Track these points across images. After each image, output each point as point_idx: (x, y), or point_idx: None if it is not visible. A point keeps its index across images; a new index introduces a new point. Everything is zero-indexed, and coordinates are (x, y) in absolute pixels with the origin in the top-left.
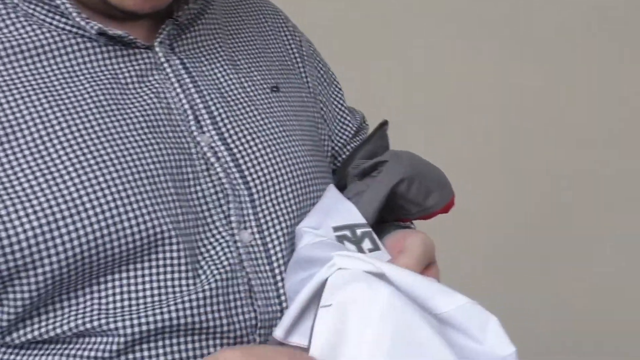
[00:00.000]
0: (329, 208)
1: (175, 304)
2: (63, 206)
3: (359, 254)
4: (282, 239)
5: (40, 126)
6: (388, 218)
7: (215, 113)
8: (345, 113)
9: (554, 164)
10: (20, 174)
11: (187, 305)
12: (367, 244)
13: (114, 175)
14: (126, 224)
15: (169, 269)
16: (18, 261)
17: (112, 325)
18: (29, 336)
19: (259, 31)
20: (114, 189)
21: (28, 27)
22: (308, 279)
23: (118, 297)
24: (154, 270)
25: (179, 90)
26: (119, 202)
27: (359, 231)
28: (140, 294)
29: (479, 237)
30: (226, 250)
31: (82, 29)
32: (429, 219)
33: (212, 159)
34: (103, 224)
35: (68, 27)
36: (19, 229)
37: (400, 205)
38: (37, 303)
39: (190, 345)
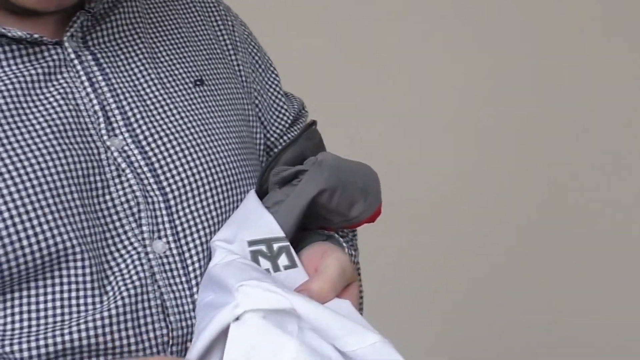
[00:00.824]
0: (246, 218)
1: (78, 324)
2: None
3: (267, 285)
4: (199, 248)
5: None
6: (310, 226)
7: (130, 114)
8: (281, 100)
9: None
10: None
11: (91, 325)
12: (283, 260)
13: (12, 188)
14: (25, 242)
15: (73, 286)
16: None
17: (9, 348)
18: None
19: (185, 19)
20: (11, 204)
21: None
22: (215, 305)
23: (17, 318)
24: (57, 289)
25: (89, 89)
26: (16, 219)
27: (275, 246)
28: (42, 314)
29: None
30: (137, 263)
31: None
32: (354, 228)
33: (123, 165)
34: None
35: None
36: None
37: (322, 215)
38: None
39: None
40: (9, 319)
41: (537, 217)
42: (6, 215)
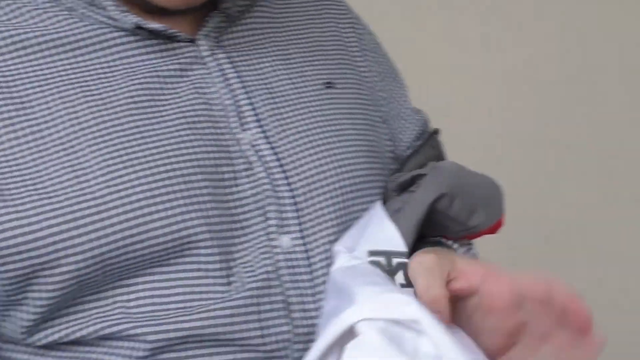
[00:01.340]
0: (369, 228)
1: (202, 312)
2: (84, 205)
3: (389, 291)
4: (324, 247)
5: (72, 122)
6: (429, 235)
7: (262, 110)
8: (408, 110)
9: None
10: (45, 171)
11: (215, 314)
12: (399, 277)
13: (143, 173)
14: (152, 225)
15: (201, 273)
16: (39, 258)
17: (137, 331)
18: (53, 337)
19: (315, 25)
20: (141, 188)
21: (70, 20)
22: (334, 312)
23: (142, 302)
24: (182, 275)
25: (221, 85)
26: (145, 202)
27: (395, 261)
28: (167, 300)
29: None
30: (263, 256)
31: (118, 22)
32: (473, 239)
33: (253, 158)
34: (126, 224)
35: (106, 21)
36: (38, 226)
37: (440, 223)
38: (60, 304)
39: (216, 358)
40: (134, 303)
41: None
42: (136, 198)
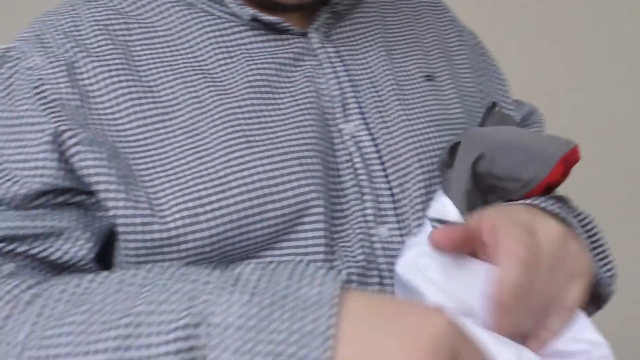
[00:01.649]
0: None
1: None
2: (208, 184)
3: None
4: None
5: (196, 105)
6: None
7: (365, 102)
8: (508, 104)
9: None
10: (171, 152)
11: None
12: None
13: (261, 155)
14: (270, 205)
15: (307, 249)
16: (164, 233)
17: None
18: None
19: (416, 21)
20: (260, 169)
21: (192, 14)
22: None
23: None
24: (294, 250)
25: (330, 76)
26: (264, 183)
27: None
28: None
29: None
30: (362, 244)
31: (236, 15)
32: (547, 193)
33: (353, 149)
34: (247, 204)
35: (224, 15)
36: (167, 205)
37: (495, 186)
38: None
39: None
40: None
41: None
42: (256, 178)
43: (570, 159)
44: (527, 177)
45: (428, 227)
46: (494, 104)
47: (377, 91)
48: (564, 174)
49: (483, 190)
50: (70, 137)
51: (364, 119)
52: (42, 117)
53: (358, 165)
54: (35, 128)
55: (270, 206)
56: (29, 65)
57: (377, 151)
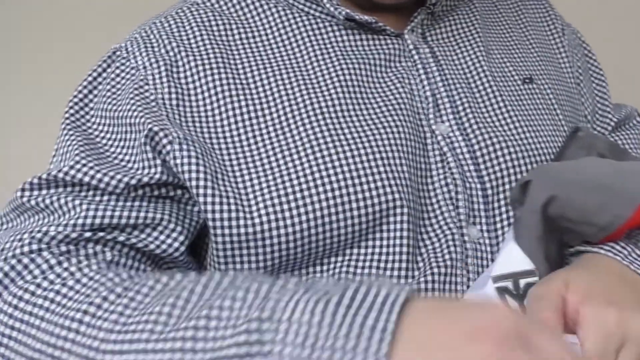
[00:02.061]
0: (499, 251)
1: None
2: (295, 181)
3: None
4: None
5: (286, 103)
6: (573, 244)
7: (458, 102)
8: (606, 106)
9: None
10: (262, 149)
11: None
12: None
13: (348, 154)
14: (353, 203)
15: (391, 249)
16: (250, 228)
17: None
18: None
19: (517, 21)
20: (345, 168)
21: (289, 14)
22: None
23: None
24: (376, 251)
25: (423, 77)
26: (349, 182)
27: (522, 282)
28: (357, 278)
29: None
30: (450, 244)
31: (331, 14)
32: (619, 237)
33: (445, 149)
34: (332, 202)
35: (319, 14)
36: (254, 201)
37: (570, 229)
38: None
39: None
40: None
41: None
42: (340, 177)
43: None
44: (605, 222)
45: (490, 287)
46: (577, 129)
47: (472, 93)
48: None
49: (557, 230)
50: (164, 137)
51: (457, 119)
52: (141, 117)
53: (452, 165)
54: (135, 128)
55: (354, 204)
56: (134, 65)
57: (470, 152)
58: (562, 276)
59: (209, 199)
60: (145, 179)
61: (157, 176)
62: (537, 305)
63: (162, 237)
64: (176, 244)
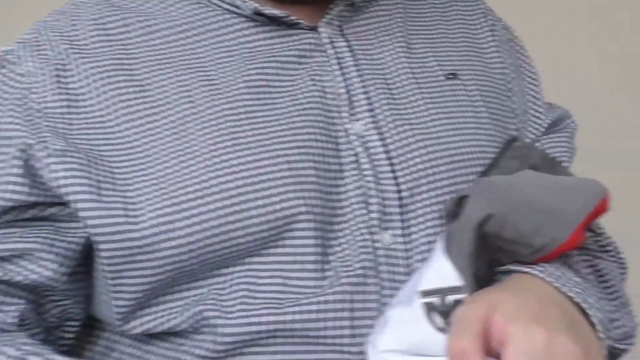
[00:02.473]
0: (425, 266)
1: (295, 305)
2: (190, 189)
3: None
4: (425, 247)
5: (186, 106)
6: (505, 261)
7: (375, 99)
8: (539, 106)
9: None
10: (154, 156)
11: (307, 308)
12: None
13: (249, 159)
14: (253, 211)
15: (294, 266)
16: (139, 241)
17: (226, 322)
18: (148, 325)
19: (444, 16)
20: (245, 174)
21: (194, 7)
22: None
23: (235, 295)
24: (277, 266)
25: (337, 72)
26: (248, 188)
27: (450, 298)
28: (260, 290)
29: None
30: (362, 251)
31: (239, 8)
32: (553, 259)
33: (360, 149)
34: (229, 210)
35: (229, 8)
36: (142, 211)
37: (504, 248)
38: (156, 291)
39: (303, 356)
40: (227, 291)
41: None
42: (240, 183)
43: (596, 214)
44: (540, 244)
45: (416, 303)
46: (514, 139)
47: (390, 89)
48: (573, 244)
49: (490, 248)
50: (39, 150)
51: (373, 117)
52: (16, 130)
53: (366, 167)
54: (7, 142)
55: (254, 212)
56: (22, 71)
57: (386, 152)
58: (489, 297)
59: (91, 213)
60: (10, 204)
61: (23, 197)
62: (456, 329)
63: (32, 267)
64: (47, 273)
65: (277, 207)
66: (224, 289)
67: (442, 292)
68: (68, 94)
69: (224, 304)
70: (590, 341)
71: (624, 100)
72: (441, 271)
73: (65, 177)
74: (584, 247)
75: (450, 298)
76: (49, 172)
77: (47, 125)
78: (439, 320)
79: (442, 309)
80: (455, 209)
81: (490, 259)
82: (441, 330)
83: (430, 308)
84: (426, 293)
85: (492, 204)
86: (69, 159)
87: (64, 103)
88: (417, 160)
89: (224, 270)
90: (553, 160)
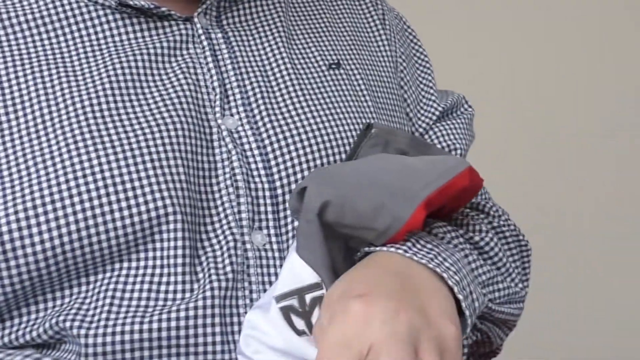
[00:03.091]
0: (281, 270)
1: (162, 313)
2: (46, 191)
3: None
4: None
5: (44, 104)
6: (359, 248)
7: (250, 93)
8: (431, 94)
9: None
10: (11, 157)
11: (175, 315)
12: (317, 314)
13: (111, 157)
14: (115, 213)
15: (165, 270)
16: None
17: (90, 332)
18: (9, 337)
19: (329, 6)
20: (107, 174)
21: (56, 2)
22: None
23: (101, 302)
24: (147, 271)
25: (211, 65)
26: (110, 189)
27: (308, 297)
28: (127, 297)
29: None
30: (232, 252)
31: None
32: (400, 238)
33: (231, 145)
34: (89, 213)
35: (91, 1)
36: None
37: (350, 235)
38: (14, 301)
39: None
40: (91, 299)
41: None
42: (101, 184)
43: (448, 189)
44: (383, 226)
45: (274, 308)
46: (369, 126)
47: (269, 81)
48: (460, 202)
49: (339, 238)
50: None
51: (247, 112)
52: None
53: (235, 165)
54: None
55: (117, 214)
56: None
57: (260, 147)
58: (338, 282)
59: None
60: None
61: None
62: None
63: None
64: None
65: (143, 208)
66: (87, 297)
67: (299, 292)
68: None
69: (88, 312)
70: (428, 299)
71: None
72: (295, 270)
73: None
74: (464, 224)
75: (308, 297)
76: None
77: None
78: (299, 322)
79: (300, 310)
80: (297, 204)
81: (345, 249)
82: (302, 333)
83: (288, 311)
84: (282, 297)
85: (327, 191)
86: None
87: None
88: (294, 154)
89: (90, 278)
90: (423, 142)
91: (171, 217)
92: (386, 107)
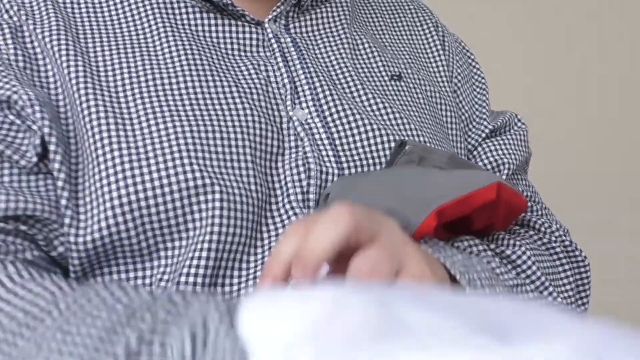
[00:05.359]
0: None
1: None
2: (125, 152)
3: None
4: None
5: (126, 75)
6: None
7: (319, 90)
8: (483, 113)
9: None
10: (94, 116)
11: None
12: None
13: (185, 128)
14: (183, 184)
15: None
16: (79, 200)
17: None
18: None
19: (391, 22)
20: (181, 141)
21: None
22: None
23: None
24: (211, 237)
25: (281, 64)
26: (177, 155)
27: None
28: (195, 263)
29: None
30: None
31: None
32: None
33: (302, 134)
34: (163, 173)
35: None
36: (92, 169)
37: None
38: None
39: None
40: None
41: None
42: (175, 149)
43: (472, 202)
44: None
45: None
46: (403, 143)
47: (334, 82)
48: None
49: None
50: (20, 99)
51: (316, 106)
52: None
53: (307, 149)
54: None
55: (183, 185)
56: None
57: (329, 137)
58: None
59: (62, 176)
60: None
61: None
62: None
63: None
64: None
65: (207, 180)
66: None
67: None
68: (25, 51)
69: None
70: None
71: None
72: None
73: (49, 128)
74: (499, 239)
75: None
76: (32, 122)
77: (14, 75)
78: None
79: None
80: (324, 207)
81: None
82: None
83: None
84: None
85: (346, 198)
86: (44, 110)
87: (22, 58)
88: (360, 150)
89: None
90: (465, 162)
91: (210, 196)
92: (442, 121)
